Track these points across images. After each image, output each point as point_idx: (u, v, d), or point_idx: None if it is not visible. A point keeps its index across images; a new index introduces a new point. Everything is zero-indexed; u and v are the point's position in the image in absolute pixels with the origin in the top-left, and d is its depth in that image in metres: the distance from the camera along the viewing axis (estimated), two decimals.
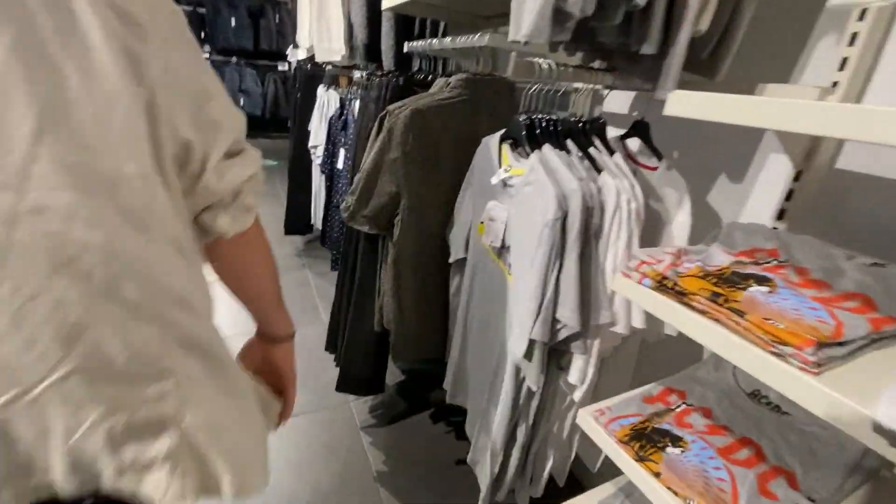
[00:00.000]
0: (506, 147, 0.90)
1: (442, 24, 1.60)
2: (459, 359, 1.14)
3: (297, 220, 2.83)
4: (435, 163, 1.11)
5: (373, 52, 1.62)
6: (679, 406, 0.75)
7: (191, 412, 0.45)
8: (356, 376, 1.43)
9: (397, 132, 1.02)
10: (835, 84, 0.69)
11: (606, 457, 0.69)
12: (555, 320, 0.70)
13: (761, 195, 0.81)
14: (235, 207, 0.50)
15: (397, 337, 1.22)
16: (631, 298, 0.61)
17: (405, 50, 1.44)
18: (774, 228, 0.74)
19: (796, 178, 0.75)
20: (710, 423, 0.71)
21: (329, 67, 2.26)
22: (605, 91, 1.10)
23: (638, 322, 0.75)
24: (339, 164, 1.87)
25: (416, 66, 1.66)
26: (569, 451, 0.96)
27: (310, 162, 2.59)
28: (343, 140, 1.82)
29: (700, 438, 0.67)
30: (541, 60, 0.77)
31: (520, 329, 0.72)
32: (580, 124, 0.85)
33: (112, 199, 0.38)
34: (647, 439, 0.67)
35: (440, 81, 1.16)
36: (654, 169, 0.90)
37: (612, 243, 0.71)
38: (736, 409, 0.74)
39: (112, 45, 0.35)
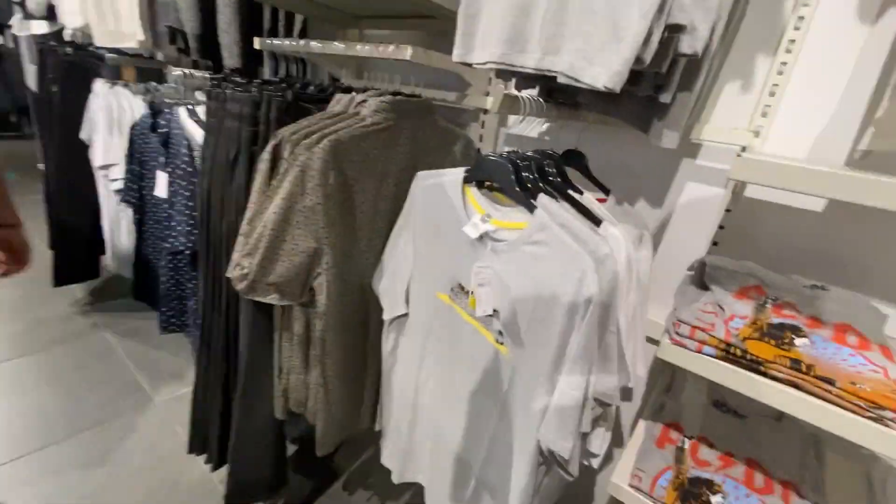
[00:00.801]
0: (472, 190, 0.76)
1: (299, 20, 1.30)
2: (408, 432, 0.96)
3: (72, 265, 2.02)
4: (358, 205, 0.88)
5: (207, 44, 1.22)
6: (684, 442, 0.76)
7: None
8: (255, 479, 1.09)
9: (315, 171, 0.76)
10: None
11: None
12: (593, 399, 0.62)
13: (693, 226, 0.90)
14: None
15: (326, 423, 0.96)
16: (690, 369, 0.58)
17: (259, 47, 1.12)
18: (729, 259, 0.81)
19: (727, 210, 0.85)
20: (717, 453, 0.74)
21: (110, 56, 1.63)
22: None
23: (642, 371, 0.73)
24: (161, 192, 1.37)
25: (266, 66, 1.33)
26: None
27: (85, 183, 1.85)
28: (165, 161, 1.33)
29: (726, 477, 0.69)
30: (526, 95, 0.66)
31: (558, 422, 0.61)
32: (545, 162, 0.77)
33: None
34: (692, 496, 0.65)
35: (343, 98, 0.92)
36: (603, 202, 0.90)
37: (623, 300, 0.67)
38: (717, 424, 0.80)
39: None
